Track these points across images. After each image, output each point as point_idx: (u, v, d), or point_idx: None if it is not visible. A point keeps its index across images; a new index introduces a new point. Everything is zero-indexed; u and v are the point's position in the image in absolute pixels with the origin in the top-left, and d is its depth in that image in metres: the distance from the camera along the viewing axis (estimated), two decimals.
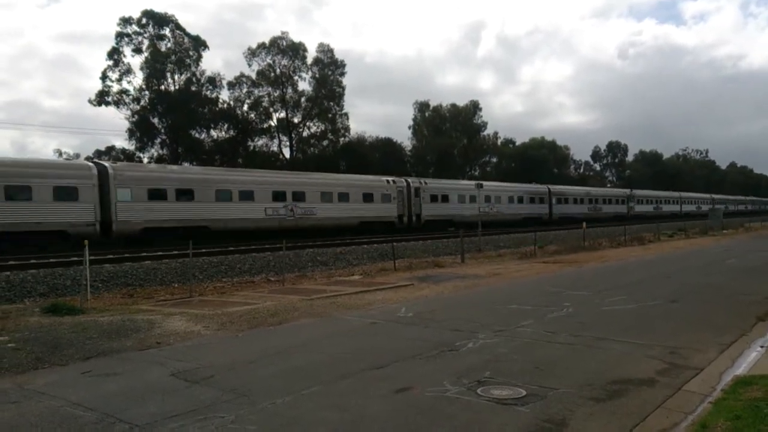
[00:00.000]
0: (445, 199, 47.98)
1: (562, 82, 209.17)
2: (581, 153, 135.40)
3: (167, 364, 8.45)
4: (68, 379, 7.88)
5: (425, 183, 47.55)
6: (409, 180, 46.55)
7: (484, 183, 55.75)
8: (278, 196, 35.82)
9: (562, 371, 7.55)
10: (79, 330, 10.97)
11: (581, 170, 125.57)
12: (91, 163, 30.73)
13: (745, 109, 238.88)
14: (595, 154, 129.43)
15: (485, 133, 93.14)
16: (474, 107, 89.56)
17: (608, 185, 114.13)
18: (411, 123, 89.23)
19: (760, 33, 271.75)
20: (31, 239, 25.92)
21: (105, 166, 29.95)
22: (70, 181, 27.80)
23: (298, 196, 36.88)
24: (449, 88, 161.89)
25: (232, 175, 36.84)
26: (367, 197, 41.51)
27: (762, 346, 8.74)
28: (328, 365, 8.15)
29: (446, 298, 14.78)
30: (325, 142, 73.62)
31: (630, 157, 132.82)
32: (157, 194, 30.73)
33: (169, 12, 62.21)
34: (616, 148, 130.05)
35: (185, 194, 32.01)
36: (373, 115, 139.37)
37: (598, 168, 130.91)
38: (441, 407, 6.26)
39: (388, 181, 44.05)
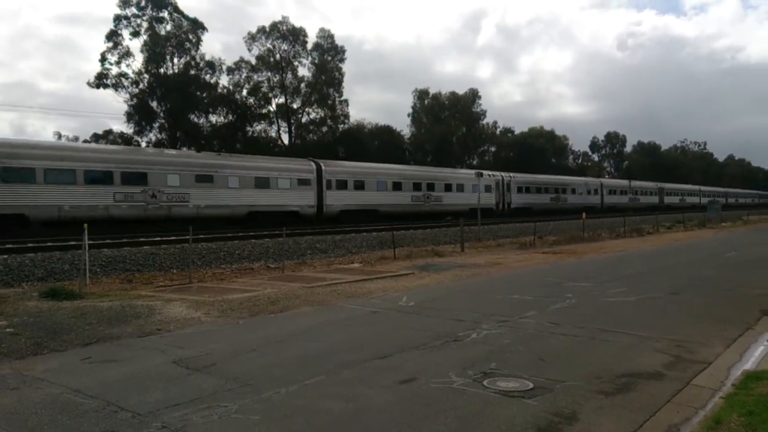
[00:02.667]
0: (359, 186, 42.05)
1: (561, 72, 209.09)
2: (580, 143, 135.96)
3: (168, 351, 8.36)
4: (68, 366, 7.78)
5: (332, 167, 41.39)
6: (321, 163, 40.59)
7: (411, 168, 53.93)
8: (130, 179, 30.03)
9: (568, 364, 7.47)
10: (78, 315, 10.86)
11: (579, 160, 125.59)
12: None
13: (744, 102, 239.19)
14: (594, 145, 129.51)
15: (484, 121, 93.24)
16: (473, 95, 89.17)
17: (606, 176, 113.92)
18: (410, 111, 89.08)
19: (760, 26, 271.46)
20: None
21: None
22: None
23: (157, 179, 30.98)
24: (448, 76, 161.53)
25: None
26: (261, 182, 35.81)
27: None
28: (330, 354, 8.07)
29: (447, 288, 14.70)
30: (324, 129, 73.29)
31: (628, 148, 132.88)
32: None
33: None
34: (614, 139, 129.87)
35: None
36: (372, 102, 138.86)
37: (596, 158, 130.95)
38: (447, 399, 6.17)
39: (289, 164, 38.87)
